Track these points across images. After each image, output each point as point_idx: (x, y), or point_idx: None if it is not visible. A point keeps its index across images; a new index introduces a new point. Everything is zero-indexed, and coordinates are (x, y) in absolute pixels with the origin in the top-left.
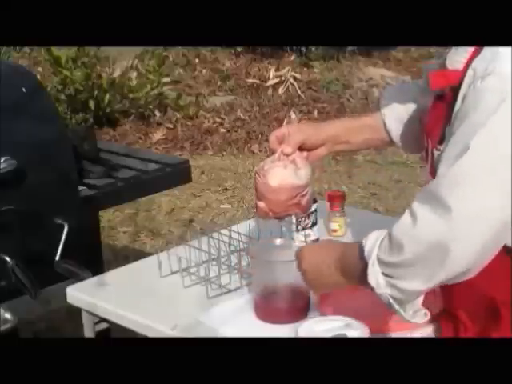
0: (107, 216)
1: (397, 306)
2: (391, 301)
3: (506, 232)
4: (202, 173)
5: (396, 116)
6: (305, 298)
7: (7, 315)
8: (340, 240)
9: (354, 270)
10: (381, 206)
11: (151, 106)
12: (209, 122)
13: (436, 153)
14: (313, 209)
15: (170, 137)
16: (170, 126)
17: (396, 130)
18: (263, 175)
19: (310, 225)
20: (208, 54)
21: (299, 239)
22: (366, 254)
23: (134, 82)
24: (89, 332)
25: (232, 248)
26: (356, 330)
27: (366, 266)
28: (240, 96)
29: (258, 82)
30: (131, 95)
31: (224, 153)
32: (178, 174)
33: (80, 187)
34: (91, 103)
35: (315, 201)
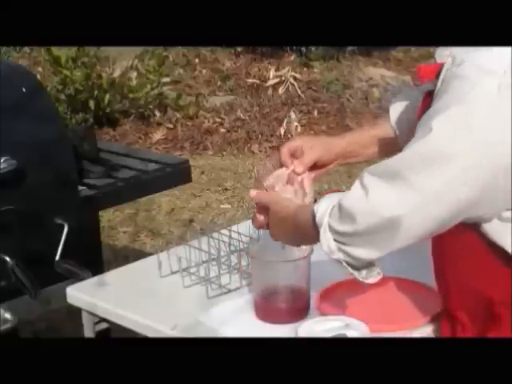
0: (107, 216)
1: (350, 269)
2: (345, 264)
3: (466, 210)
4: (202, 173)
5: (406, 125)
6: (305, 298)
7: (7, 315)
8: None
9: (308, 233)
10: None
11: (151, 106)
12: (209, 122)
13: None
14: None
15: (170, 137)
16: (170, 125)
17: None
18: None
19: None
20: (208, 54)
21: None
22: (317, 220)
23: (134, 82)
24: (89, 332)
25: (232, 248)
26: (356, 330)
27: (318, 232)
28: (240, 96)
29: (258, 81)
30: (131, 95)
31: (224, 153)
32: (178, 174)
33: (80, 187)
34: (91, 103)
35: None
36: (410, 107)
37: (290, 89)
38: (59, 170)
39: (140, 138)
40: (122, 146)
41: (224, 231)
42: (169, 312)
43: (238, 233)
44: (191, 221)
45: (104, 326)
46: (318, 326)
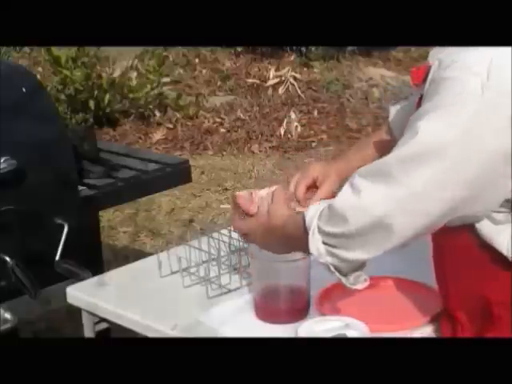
0: (107, 216)
1: (338, 274)
2: (332, 269)
3: (455, 207)
4: (202, 173)
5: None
6: (305, 298)
7: (7, 315)
8: None
9: (299, 239)
10: None
11: (151, 106)
12: (209, 122)
13: None
14: None
15: (170, 137)
16: (170, 125)
17: None
18: None
19: None
20: (208, 54)
21: None
22: (306, 223)
23: (134, 82)
24: (89, 332)
25: (232, 248)
26: (356, 330)
27: (307, 235)
28: (240, 96)
29: (258, 82)
30: (131, 95)
31: (224, 153)
32: (178, 174)
33: (80, 187)
34: (91, 103)
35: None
36: (408, 111)
37: (290, 89)
38: (59, 170)
39: (140, 138)
40: (122, 146)
41: (224, 231)
42: (169, 312)
43: None
44: (191, 221)
45: (104, 325)
46: (318, 326)
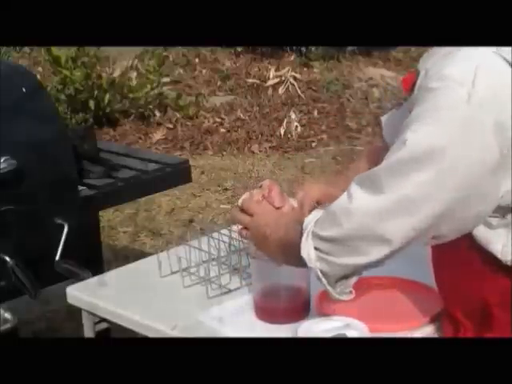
0: (107, 216)
1: (325, 281)
2: (320, 275)
3: (442, 219)
4: (202, 173)
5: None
6: (305, 298)
7: (7, 315)
8: None
9: (294, 244)
10: None
11: (151, 106)
12: (209, 122)
13: None
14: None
15: (170, 137)
16: (170, 125)
17: None
18: None
19: None
20: (208, 54)
21: None
22: (303, 227)
23: (134, 82)
24: (89, 332)
25: (232, 248)
26: (356, 329)
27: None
28: (240, 96)
29: (258, 82)
30: (131, 95)
31: (224, 153)
32: (178, 174)
33: (80, 187)
34: (91, 103)
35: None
36: (401, 118)
37: (290, 89)
38: (59, 170)
39: (140, 138)
40: (122, 146)
41: (224, 231)
42: (169, 312)
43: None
44: (191, 221)
45: (104, 325)
46: (318, 326)
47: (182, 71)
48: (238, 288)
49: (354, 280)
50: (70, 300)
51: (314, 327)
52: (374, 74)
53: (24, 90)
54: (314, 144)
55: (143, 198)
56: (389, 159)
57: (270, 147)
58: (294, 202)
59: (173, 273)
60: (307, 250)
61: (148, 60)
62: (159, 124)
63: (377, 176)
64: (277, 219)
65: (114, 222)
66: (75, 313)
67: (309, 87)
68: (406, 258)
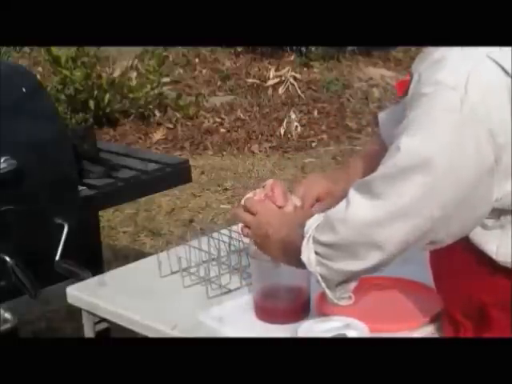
0: (107, 216)
1: (324, 286)
2: (320, 280)
3: (438, 225)
4: (202, 173)
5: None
6: (305, 298)
7: (7, 315)
8: None
9: (296, 246)
10: None
11: (151, 106)
12: (209, 122)
13: None
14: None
15: (170, 137)
16: (170, 125)
17: None
18: None
19: None
20: (208, 53)
21: None
22: (305, 230)
23: (134, 82)
24: (89, 332)
25: (232, 248)
26: (356, 329)
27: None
28: (240, 96)
29: (258, 82)
30: (131, 95)
31: (224, 153)
32: (178, 174)
33: (80, 187)
34: (91, 103)
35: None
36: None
37: (290, 89)
38: (59, 170)
39: (140, 138)
40: (121, 146)
41: (224, 231)
42: (169, 312)
43: (238, 233)
44: (191, 221)
45: (104, 325)
46: (318, 326)
47: (181, 71)
48: (238, 288)
49: (353, 285)
50: (70, 300)
51: (314, 327)
52: (374, 74)
53: (24, 89)
54: (314, 144)
55: (143, 198)
56: (385, 164)
57: (269, 147)
58: (296, 201)
59: (173, 273)
60: (307, 254)
61: (148, 60)
62: (159, 124)
63: (373, 182)
64: (279, 219)
65: (114, 222)
66: (75, 313)
67: (309, 87)
68: (406, 258)
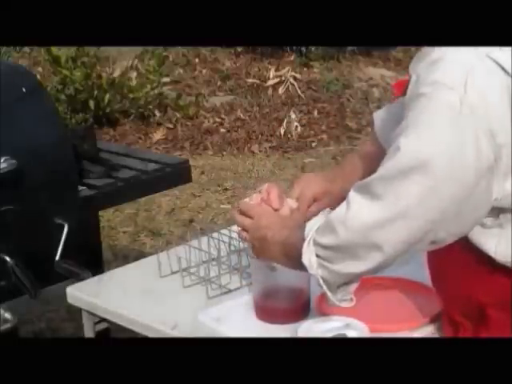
0: (107, 216)
1: (326, 288)
2: (321, 282)
3: (438, 226)
4: (202, 173)
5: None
6: (305, 298)
7: (7, 315)
8: None
9: (295, 248)
10: None
11: (151, 106)
12: (209, 122)
13: None
14: None
15: (170, 137)
16: (170, 125)
17: None
18: None
19: None
20: (208, 53)
21: None
22: (305, 233)
23: (134, 82)
24: (89, 332)
25: (232, 248)
26: (356, 330)
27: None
28: (240, 96)
29: (258, 82)
30: (131, 95)
31: (224, 153)
32: (178, 174)
33: (80, 187)
34: (91, 103)
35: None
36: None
37: (290, 89)
38: (59, 170)
39: (140, 138)
40: (121, 146)
41: (224, 231)
42: (169, 312)
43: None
44: (191, 221)
45: (104, 325)
46: (318, 326)
47: (181, 71)
48: (238, 288)
49: (354, 287)
50: (70, 300)
51: (314, 327)
52: (374, 74)
53: (24, 89)
54: (313, 144)
55: (143, 198)
56: (384, 166)
57: (269, 147)
58: (292, 203)
59: (173, 273)
60: (308, 256)
61: (148, 60)
62: (159, 124)
63: (373, 184)
64: (277, 222)
65: (114, 222)
66: (75, 313)
67: (309, 87)
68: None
